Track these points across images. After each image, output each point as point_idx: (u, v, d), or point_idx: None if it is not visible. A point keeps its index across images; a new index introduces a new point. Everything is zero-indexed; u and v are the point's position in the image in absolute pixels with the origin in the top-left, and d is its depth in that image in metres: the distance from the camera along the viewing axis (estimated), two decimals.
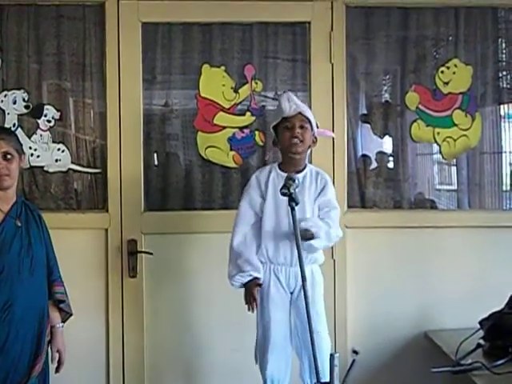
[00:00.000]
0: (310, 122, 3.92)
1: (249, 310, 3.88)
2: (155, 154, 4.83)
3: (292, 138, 3.86)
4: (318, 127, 4.04)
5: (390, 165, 4.97)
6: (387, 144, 4.97)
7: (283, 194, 3.21)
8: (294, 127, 3.87)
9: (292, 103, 3.88)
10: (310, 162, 4.39)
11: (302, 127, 3.88)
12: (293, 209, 3.16)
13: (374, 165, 4.93)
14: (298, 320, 3.85)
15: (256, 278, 3.86)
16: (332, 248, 4.35)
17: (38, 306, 3.63)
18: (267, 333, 3.88)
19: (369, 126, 4.91)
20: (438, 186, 5.13)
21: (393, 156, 4.96)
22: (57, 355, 3.76)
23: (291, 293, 3.89)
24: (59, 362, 3.78)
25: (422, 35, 4.84)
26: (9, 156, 3.59)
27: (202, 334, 4.63)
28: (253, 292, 3.84)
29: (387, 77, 5.00)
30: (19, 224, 3.62)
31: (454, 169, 5.06)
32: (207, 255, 4.59)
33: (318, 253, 3.92)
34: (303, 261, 3.10)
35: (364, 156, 4.91)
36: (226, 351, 4.58)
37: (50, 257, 3.77)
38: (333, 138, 4.57)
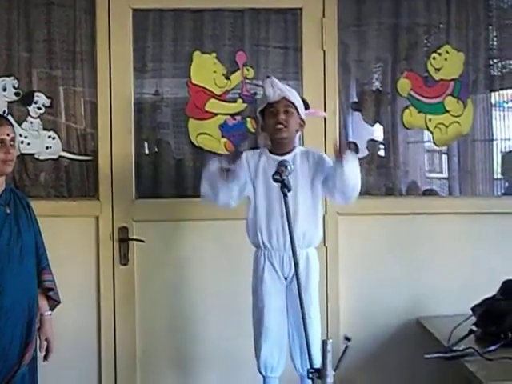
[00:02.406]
0: (295, 106, 3.89)
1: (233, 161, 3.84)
2: (146, 142, 4.83)
3: (276, 123, 3.84)
4: (308, 108, 4.03)
5: (382, 152, 4.96)
6: (378, 131, 4.96)
7: (275, 181, 3.18)
8: (278, 112, 3.84)
9: (276, 88, 3.84)
10: None
11: (286, 112, 3.85)
12: (285, 195, 3.13)
13: (366, 152, 4.91)
14: (290, 305, 3.83)
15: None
16: (324, 235, 4.31)
17: (28, 294, 3.63)
18: (261, 319, 3.87)
19: (359, 113, 4.90)
20: (429, 174, 5.13)
21: (384, 144, 4.94)
22: (45, 343, 3.76)
23: (285, 278, 3.88)
24: (48, 351, 3.78)
25: (414, 22, 4.83)
26: (13, 142, 3.63)
27: (194, 322, 4.62)
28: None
29: (379, 64, 4.98)
30: (8, 211, 3.61)
31: (445, 156, 5.06)
32: (199, 243, 4.59)
33: (314, 234, 3.91)
34: (295, 245, 3.08)
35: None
36: (218, 339, 4.58)
37: (39, 245, 3.76)
38: (325, 126, 4.57)
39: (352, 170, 3.72)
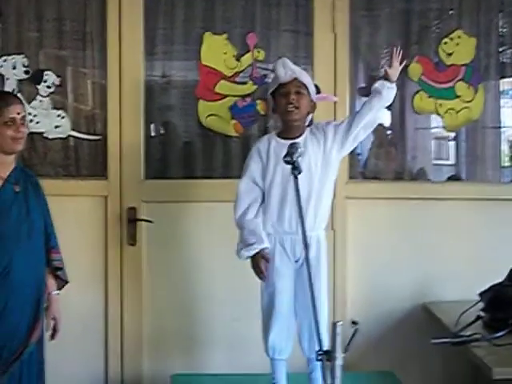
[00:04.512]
0: (307, 87, 3.85)
1: (260, 279, 3.82)
2: (156, 123, 4.83)
3: (287, 104, 3.79)
4: (319, 92, 4.00)
5: (391, 137, 4.95)
6: (387, 116, 4.94)
7: (286, 162, 3.16)
8: (289, 93, 3.78)
9: (287, 69, 3.80)
10: None
11: (297, 93, 3.79)
12: (295, 177, 3.11)
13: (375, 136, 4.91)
14: (300, 288, 3.79)
15: (263, 250, 3.76)
16: (332, 218, 4.31)
17: (37, 273, 3.62)
18: (272, 302, 3.83)
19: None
20: (436, 161, 5.12)
21: (393, 128, 4.93)
22: (52, 322, 3.76)
23: (296, 261, 3.83)
24: (54, 330, 3.78)
25: (426, 6, 4.81)
26: (23, 121, 3.60)
27: (201, 303, 4.63)
28: (259, 266, 3.75)
29: (390, 48, 4.96)
30: (17, 190, 3.60)
31: (454, 142, 5.06)
32: (207, 224, 4.59)
33: (324, 216, 3.87)
34: (305, 228, 3.06)
35: None
36: (226, 319, 4.59)
37: (48, 223, 3.74)
38: (335, 110, 4.55)
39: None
